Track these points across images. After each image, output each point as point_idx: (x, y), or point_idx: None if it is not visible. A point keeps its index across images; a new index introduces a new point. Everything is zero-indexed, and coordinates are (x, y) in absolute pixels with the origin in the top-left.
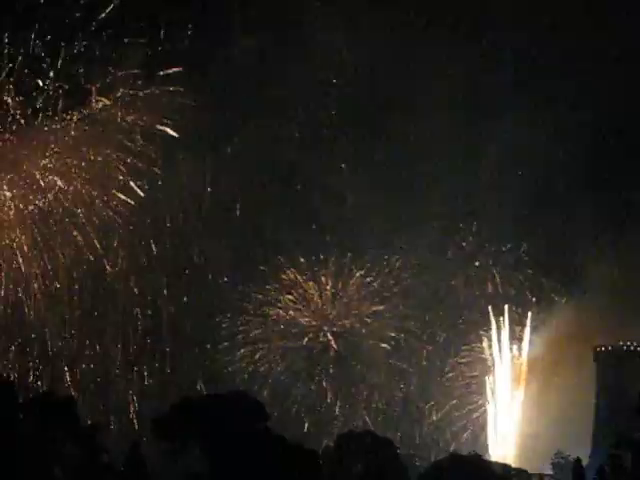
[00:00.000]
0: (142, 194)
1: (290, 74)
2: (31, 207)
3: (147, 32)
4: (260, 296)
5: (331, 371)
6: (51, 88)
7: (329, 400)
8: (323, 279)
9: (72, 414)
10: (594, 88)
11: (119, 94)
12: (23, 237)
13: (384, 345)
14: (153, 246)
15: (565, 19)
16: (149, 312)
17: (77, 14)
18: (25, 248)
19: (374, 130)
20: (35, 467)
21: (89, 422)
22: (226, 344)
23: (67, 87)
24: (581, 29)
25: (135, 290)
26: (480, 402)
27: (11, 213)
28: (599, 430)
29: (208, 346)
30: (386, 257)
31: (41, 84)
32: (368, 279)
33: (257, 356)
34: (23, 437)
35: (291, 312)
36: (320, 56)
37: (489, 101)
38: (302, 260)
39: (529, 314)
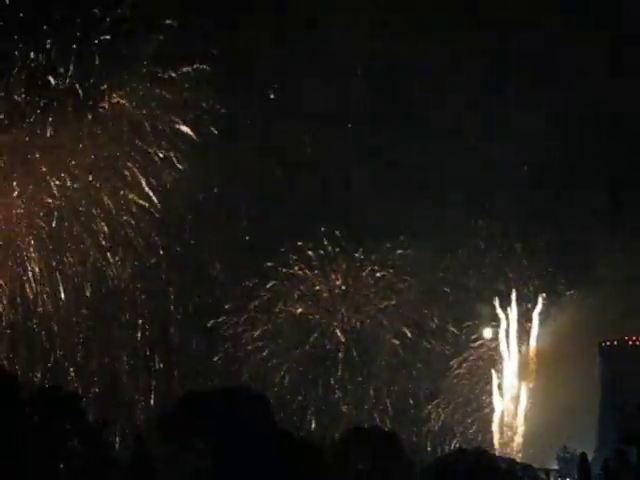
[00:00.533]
0: (152, 193)
1: (300, 70)
2: (39, 206)
3: (162, 29)
4: (268, 292)
5: (339, 367)
6: (63, 86)
7: (337, 396)
8: (333, 275)
9: (78, 410)
10: (606, 84)
11: (132, 92)
12: (30, 235)
13: (394, 341)
14: (160, 244)
15: (571, 16)
16: (156, 309)
17: (90, 11)
18: (31, 247)
19: (386, 126)
20: (40, 462)
21: (95, 418)
22: (233, 340)
23: (79, 85)
24: (584, 26)
25: (142, 287)
26: (487, 398)
27: (19, 212)
28: (604, 425)
29: (215, 342)
30: (399, 252)
31: (53, 82)
32: (378, 274)
33: (265, 353)
34: (29, 432)
35: (300, 309)
36: (332, 52)
37: (500, 98)
38: (310, 254)
39: (537, 309)
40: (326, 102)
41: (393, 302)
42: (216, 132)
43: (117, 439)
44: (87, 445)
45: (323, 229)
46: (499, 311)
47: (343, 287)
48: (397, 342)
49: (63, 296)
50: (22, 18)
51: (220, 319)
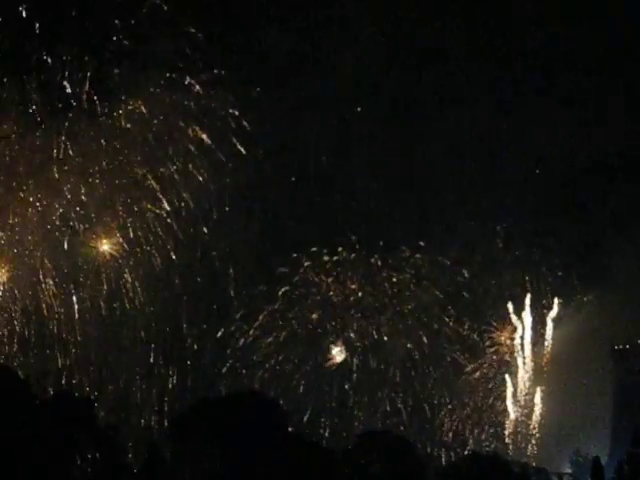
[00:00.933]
0: (165, 201)
1: (314, 71)
2: (53, 215)
3: (181, 35)
4: (281, 298)
5: (354, 374)
6: (79, 93)
7: (351, 402)
8: (348, 281)
9: (90, 414)
10: (616, 86)
11: (149, 99)
12: (43, 242)
13: (409, 345)
14: (172, 252)
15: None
16: (170, 315)
17: (106, 16)
18: (45, 257)
19: (403, 130)
20: (53, 467)
21: (107, 422)
22: (246, 346)
23: (95, 90)
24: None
25: (154, 293)
26: (501, 403)
27: (34, 220)
28: (617, 428)
29: (229, 351)
30: (417, 256)
31: (68, 87)
32: (395, 280)
33: (280, 358)
34: (41, 437)
35: (314, 315)
36: (347, 53)
37: (515, 101)
38: (325, 259)
39: (552, 313)
40: (344, 104)
41: (409, 307)
42: (233, 139)
43: (129, 444)
44: (99, 449)
45: (338, 234)
46: (513, 316)
47: (359, 293)
48: (412, 347)
49: (76, 307)
50: (38, 25)
51: (232, 327)
